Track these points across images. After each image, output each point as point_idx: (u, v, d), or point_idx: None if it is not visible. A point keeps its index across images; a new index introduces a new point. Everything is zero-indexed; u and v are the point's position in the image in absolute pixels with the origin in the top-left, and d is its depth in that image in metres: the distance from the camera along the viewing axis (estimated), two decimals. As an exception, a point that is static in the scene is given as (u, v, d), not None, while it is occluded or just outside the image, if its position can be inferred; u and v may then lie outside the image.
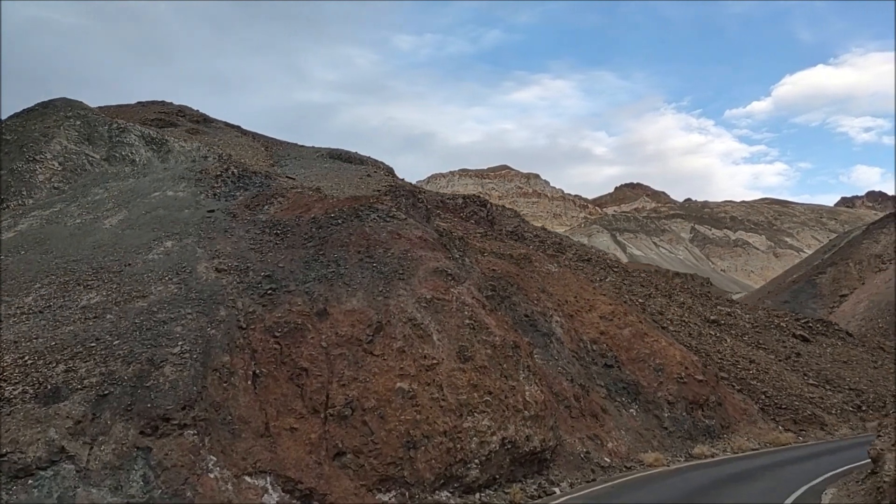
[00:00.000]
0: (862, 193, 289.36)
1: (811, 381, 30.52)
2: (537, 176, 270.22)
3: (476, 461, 14.99)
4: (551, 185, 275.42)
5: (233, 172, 23.41)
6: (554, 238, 47.57)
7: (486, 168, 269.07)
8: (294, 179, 26.74)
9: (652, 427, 22.31)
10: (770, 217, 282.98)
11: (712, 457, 21.84)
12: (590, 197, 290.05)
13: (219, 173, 23.31)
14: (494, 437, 15.73)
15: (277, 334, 15.11)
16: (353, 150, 38.72)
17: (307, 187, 23.64)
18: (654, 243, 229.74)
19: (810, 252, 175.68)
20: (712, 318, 35.94)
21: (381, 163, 37.18)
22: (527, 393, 17.16)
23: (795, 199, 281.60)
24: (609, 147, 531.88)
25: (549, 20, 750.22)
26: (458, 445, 14.98)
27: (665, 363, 23.86)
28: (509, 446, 16.07)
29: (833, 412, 27.89)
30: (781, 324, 37.09)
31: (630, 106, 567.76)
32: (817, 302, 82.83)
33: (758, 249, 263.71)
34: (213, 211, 20.50)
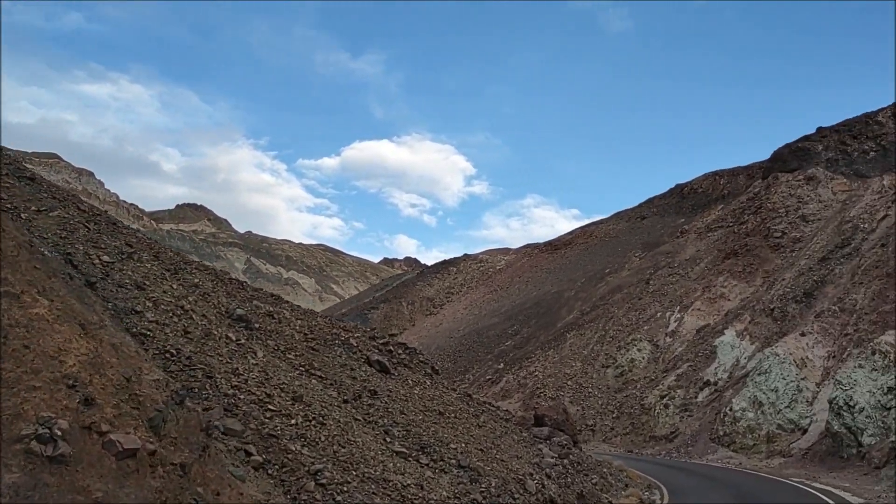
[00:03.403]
0: (401, 258, 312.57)
1: (398, 448, 14.48)
2: (91, 174, 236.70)
3: None
4: (106, 187, 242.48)
5: None
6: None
7: (30, 152, 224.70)
8: None
9: None
10: (322, 263, 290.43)
11: None
12: (148, 210, 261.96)
13: None
14: None
15: None
16: None
17: None
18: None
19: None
20: (239, 312, 18.20)
21: None
22: None
23: (347, 252, 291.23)
24: (179, 166, 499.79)
25: (140, 21, 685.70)
26: None
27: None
28: None
29: (445, 521, 11.86)
30: (351, 340, 21.18)
31: (209, 131, 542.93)
32: (366, 339, 71.52)
33: (306, 291, 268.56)
34: None
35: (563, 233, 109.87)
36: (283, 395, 15.57)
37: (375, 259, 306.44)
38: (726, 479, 27.64)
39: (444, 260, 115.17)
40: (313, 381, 18.25)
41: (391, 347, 23.93)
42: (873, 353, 30.43)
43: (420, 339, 77.24)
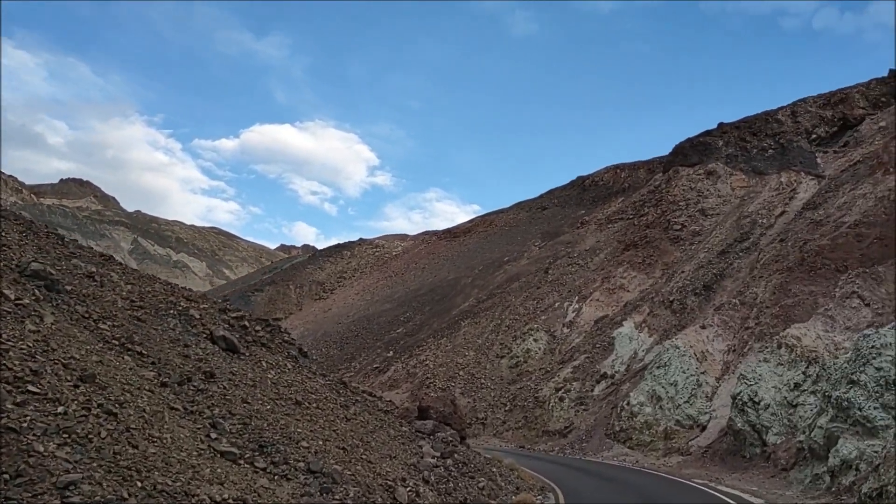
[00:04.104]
0: (299, 245, 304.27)
1: (225, 447, 10.52)
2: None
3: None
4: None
5: None
6: None
7: None
8: None
9: None
10: (215, 246, 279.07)
11: None
12: (29, 183, 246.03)
13: None
14: None
15: None
16: None
17: None
18: (91, 247, 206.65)
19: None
20: (35, 267, 13.82)
21: None
22: None
23: (243, 237, 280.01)
24: (66, 139, 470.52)
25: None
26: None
27: None
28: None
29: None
30: (193, 311, 17.08)
31: (100, 105, 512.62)
32: (248, 322, 66.37)
33: (196, 275, 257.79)
34: None
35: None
36: (64, 372, 11.37)
37: (272, 245, 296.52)
38: (625, 480, 25.11)
39: (339, 244, 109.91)
40: (126, 357, 14.02)
41: (245, 323, 19.86)
42: (779, 347, 28.67)
43: (306, 324, 72.43)
